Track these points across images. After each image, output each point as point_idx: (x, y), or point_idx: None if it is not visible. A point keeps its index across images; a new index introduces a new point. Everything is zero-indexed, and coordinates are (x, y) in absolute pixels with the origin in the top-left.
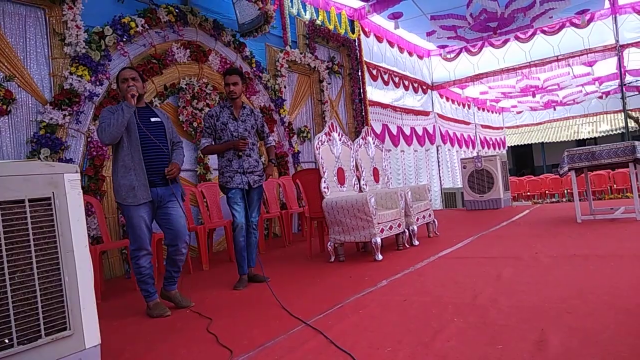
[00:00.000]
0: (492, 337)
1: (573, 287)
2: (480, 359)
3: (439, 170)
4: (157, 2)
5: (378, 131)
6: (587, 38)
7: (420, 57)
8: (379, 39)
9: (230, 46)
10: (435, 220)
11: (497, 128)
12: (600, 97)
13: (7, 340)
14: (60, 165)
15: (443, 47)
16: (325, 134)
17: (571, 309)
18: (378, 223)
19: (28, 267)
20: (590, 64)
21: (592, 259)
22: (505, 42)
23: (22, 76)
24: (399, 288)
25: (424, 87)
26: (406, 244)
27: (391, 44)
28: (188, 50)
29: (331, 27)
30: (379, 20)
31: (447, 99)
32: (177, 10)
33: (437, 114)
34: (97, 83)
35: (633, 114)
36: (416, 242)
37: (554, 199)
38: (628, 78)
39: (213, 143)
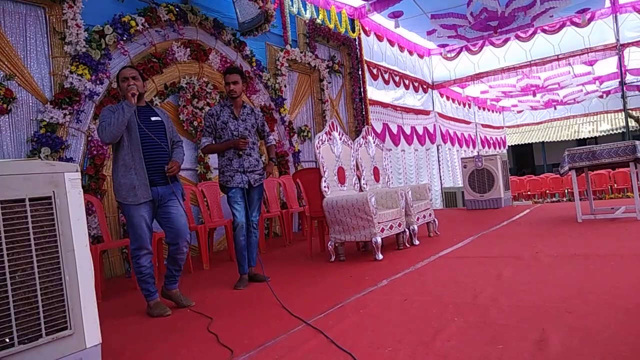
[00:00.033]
0: (493, 336)
1: (573, 287)
2: (481, 359)
3: (440, 169)
4: (157, 1)
5: (378, 130)
6: (587, 37)
7: (421, 56)
8: (380, 38)
9: (230, 45)
10: (435, 219)
11: (498, 127)
12: (601, 97)
13: (7, 340)
14: (60, 165)
15: (443, 46)
16: (326, 133)
17: (572, 309)
18: (378, 222)
19: (29, 267)
20: (591, 63)
21: (593, 259)
22: (506, 41)
23: (22, 75)
24: (400, 287)
25: (425, 86)
26: (407, 244)
27: (391, 43)
28: (188, 49)
29: (331, 26)
30: (379, 19)
31: (448, 98)
32: (177, 9)
33: (438, 113)
34: (98, 82)
35: (633, 113)
36: (417, 242)
37: (554, 199)
38: (628, 77)
39: (213, 142)
